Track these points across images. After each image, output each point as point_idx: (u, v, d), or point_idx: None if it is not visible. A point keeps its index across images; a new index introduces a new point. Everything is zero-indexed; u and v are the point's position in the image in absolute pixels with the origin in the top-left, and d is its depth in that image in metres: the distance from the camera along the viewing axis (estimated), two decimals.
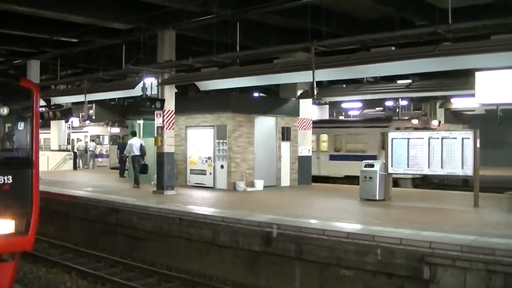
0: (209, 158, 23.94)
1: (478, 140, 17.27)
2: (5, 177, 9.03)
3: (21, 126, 9.65)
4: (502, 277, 10.24)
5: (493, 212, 16.22)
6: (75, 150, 40.97)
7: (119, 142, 33.74)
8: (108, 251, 17.70)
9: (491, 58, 15.43)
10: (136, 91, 23.52)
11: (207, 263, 15.31)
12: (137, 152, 24.60)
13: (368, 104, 41.35)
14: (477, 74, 17.31)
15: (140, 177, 24.69)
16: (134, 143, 24.89)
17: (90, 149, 42.37)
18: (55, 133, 40.03)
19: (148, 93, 21.80)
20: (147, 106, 21.27)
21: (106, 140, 47.87)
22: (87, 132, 47.18)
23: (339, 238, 12.57)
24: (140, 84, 22.18)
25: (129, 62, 22.94)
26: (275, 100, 26.80)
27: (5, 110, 9.11)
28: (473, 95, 18.25)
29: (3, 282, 9.25)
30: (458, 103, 34.27)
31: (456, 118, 38.79)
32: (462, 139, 17.44)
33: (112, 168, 40.09)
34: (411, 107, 42.46)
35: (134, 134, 26.62)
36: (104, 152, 46.58)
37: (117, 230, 18.31)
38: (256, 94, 34.18)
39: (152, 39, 22.49)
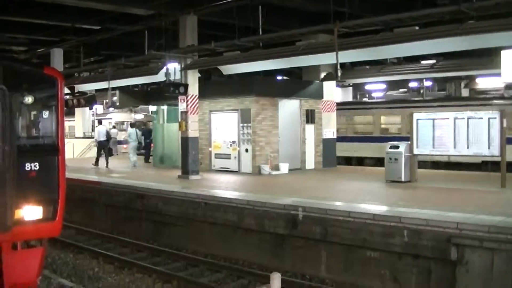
0: (233, 142, 23.97)
1: (504, 120, 17.09)
2: (32, 164, 9.09)
3: (46, 114, 9.68)
4: None
5: None
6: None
7: (143, 128, 33.83)
8: (134, 236, 17.82)
9: None
10: (160, 77, 23.56)
11: (232, 247, 15.37)
12: (103, 138, 28.56)
13: (392, 85, 41.02)
14: (503, 52, 17.13)
15: (107, 159, 28.47)
16: (101, 130, 28.88)
17: (113, 136, 42.53)
18: (80, 121, 40.21)
19: (171, 78, 21.78)
20: (170, 91, 21.30)
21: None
22: (111, 119, 47.33)
23: (364, 220, 12.55)
24: (163, 70, 22.18)
25: (151, 48, 22.96)
26: (299, 83, 26.73)
27: (30, 99, 9.13)
28: (499, 74, 18.04)
29: (33, 267, 9.34)
30: (483, 82, 33.91)
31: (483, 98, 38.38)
32: (489, 119, 17.26)
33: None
34: (435, 87, 42.14)
35: (100, 122, 31.40)
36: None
37: (143, 215, 18.41)
38: (279, 77, 34.09)
39: (174, 24, 22.48)
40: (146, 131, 32.30)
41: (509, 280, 10.34)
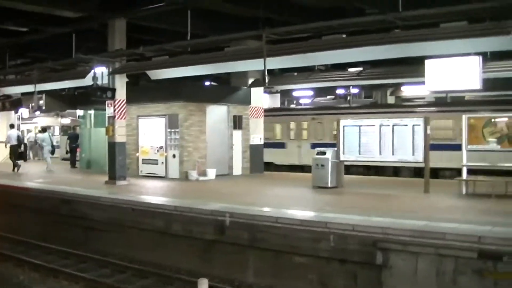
0: (161, 147, 23.82)
1: (428, 127, 17.50)
2: None
3: None
4: (452, 261, 10.42)
5: (443, 198, 16.50)
6: (25, 141, 40.33)
7: (70, 133, 33.38)
8: (61, 243, 17.49)
9: (441, 46, 15.67)
10: (87, 81, 23.18)
11: (161, 253, 15.25)
12: (14, 142, 28.10)
13: (319, 92, 41.46)
14: (426, 61, 17.49)
15: (18, 163, 27.84)
16: (12, 134, 28.43)
17: (30, 140, 41.65)
18: (4, 125, 39.24)
19: (99, 82, 21.51)
20: (97, 95, 21.04)
21: (57, 131, 47.10)
22: (37, 123, 46.36)
23: (292, 226, 12.63)
24: (91, 74, 21.88)
25: (80, 51, 22.65)
26: (227, 89, 26.80)
27: None
28: (423, 83, 18.45)
29: None
30: (408, 90, 34.63)
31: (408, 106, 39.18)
32: (413, 126, 17.66)
33: (63, 159, 39.55)
34: (362, 94, 42.83)
35: (12, 126, 30.33)
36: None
37: (70, 221, 18.10)
38: (207, 83, 34.09)
39: (103, 28, 22.23)
40: (73, 135, 31.80)
41: (433, 283, 10.59)
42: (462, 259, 10.33)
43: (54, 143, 31.05)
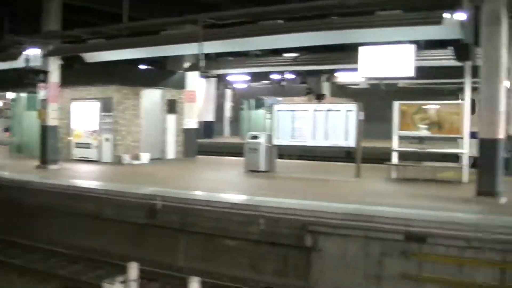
0: (94, 131, 23.54)
1: (361, 113, 17.75)
2: None
3: None
4: (380, 243, 10.64)
5: (374, 182, 16.82)
6: None
7: None
8: None
9: (376, 33, 15.87)
10: (20, 63, 22.70)
11: (92, 237, 15.08)
12: None
13: (255, 77, 41.55)
14: (360, 48, 17.69)
15: None
16: None
17: None
18: None
19: (32, 65, 21.08)
20: (29, 78, 20.64)
21: None
22: None
23: (223, 209, 12.68)
24: (23, 56, 21.43)
25: (13, 33, 22.14)
26: (162, 73, 26.60)
27: None
28: (357, 70, 18.67)
29: None
30: (343, 77, 35.00)
31: (342, 92, 39.64)
32: (346, 111, 17.89)
33: None
34: (298, 80, 43.06)
35: None
36: None
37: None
38: (143, 67, 33.78)
39: (38, 8, 21.75)
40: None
41: (361, 265, 10.80)
42: (389, 241, 10.57)
43: None
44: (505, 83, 13.48)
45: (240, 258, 12.46)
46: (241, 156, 20.43)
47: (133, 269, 8.97)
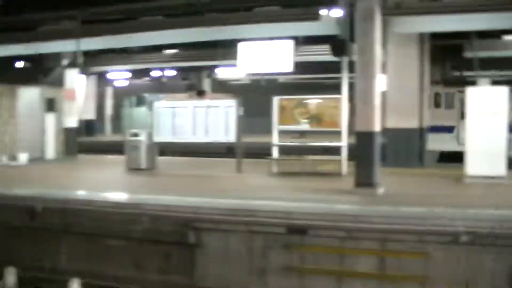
0: None
1: (241, 109, 17.86)
2: None
3: None
4: (263, 237, 10.76)
5: (255, 177, 16.94)
6: None
7: None
8: None
9: (254, 29, 16.06)
10: None
11: None
12: None
13: (136, 74, 41.16)
14: (239, 44, 17.82)
15: None
16: None
17: None
18: None
19: None
20: None
21: None
22: None
23: (105, 208, 12.46)
24: None
25: None
26: (40, 70, 25.90)
27: None
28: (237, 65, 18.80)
29: None
30: (224, 73, 35.16)
31: (223, 88, 39.81)
32: (226, 107, 17.97)
33: None
34: (179, 77, 42.93)
35: None
36: None
37: None
38: (20, 64, 32.71)
39: None
40: None
41: (245, 260, 10.88)
42: (272, 234, 10.69)
43: None
44: (380, 78, 13.89)
45: (123, 257, 12.28)
46: (123, 154, 20.15)
47: (11, 275, 8.68)
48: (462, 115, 19.06)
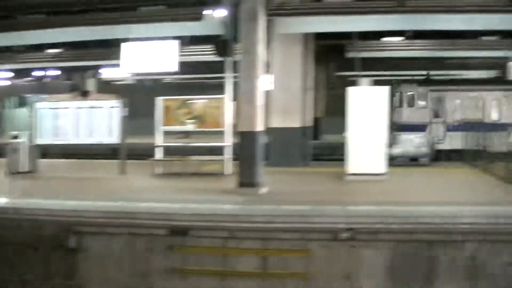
0: None
1: (125, 109, 17.65)
2: None
3: None
4: (145, 239, 10.75)
5: (139, 178, 16.87)
6: None
7: None
8: None
9: (139, 29, 15.94)
10: None
11: None
12: None
13: (18, 74, 39.93)
14: (122, 44, 17.65)
15: None
16: None
17: None
18: None
19: None
20: None
21: None
22: None
23: None
24: None
25: None
26: None
27: None
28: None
29: None
30: (108, 73, 34.66)
31: (108, 88, 39.18)
32: (110, 108, 17.72)
33: None
34: (62, 77, 41.95)
35: None
36: None
37: None
38: None
39: None
40: None
41: (127, 262, 10.82)
42: (155, 236, 10.68)
43: None
44: (263, 78, 14.05)
45: (2, 264, 11.91)
46: (3, 157, 19.50)
47: None
48: None
